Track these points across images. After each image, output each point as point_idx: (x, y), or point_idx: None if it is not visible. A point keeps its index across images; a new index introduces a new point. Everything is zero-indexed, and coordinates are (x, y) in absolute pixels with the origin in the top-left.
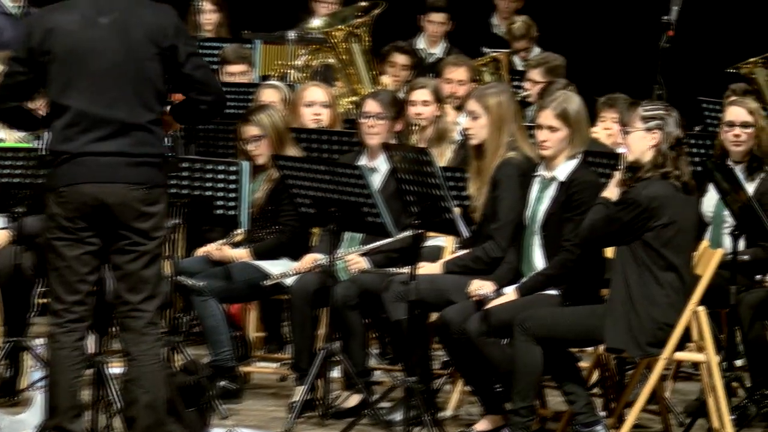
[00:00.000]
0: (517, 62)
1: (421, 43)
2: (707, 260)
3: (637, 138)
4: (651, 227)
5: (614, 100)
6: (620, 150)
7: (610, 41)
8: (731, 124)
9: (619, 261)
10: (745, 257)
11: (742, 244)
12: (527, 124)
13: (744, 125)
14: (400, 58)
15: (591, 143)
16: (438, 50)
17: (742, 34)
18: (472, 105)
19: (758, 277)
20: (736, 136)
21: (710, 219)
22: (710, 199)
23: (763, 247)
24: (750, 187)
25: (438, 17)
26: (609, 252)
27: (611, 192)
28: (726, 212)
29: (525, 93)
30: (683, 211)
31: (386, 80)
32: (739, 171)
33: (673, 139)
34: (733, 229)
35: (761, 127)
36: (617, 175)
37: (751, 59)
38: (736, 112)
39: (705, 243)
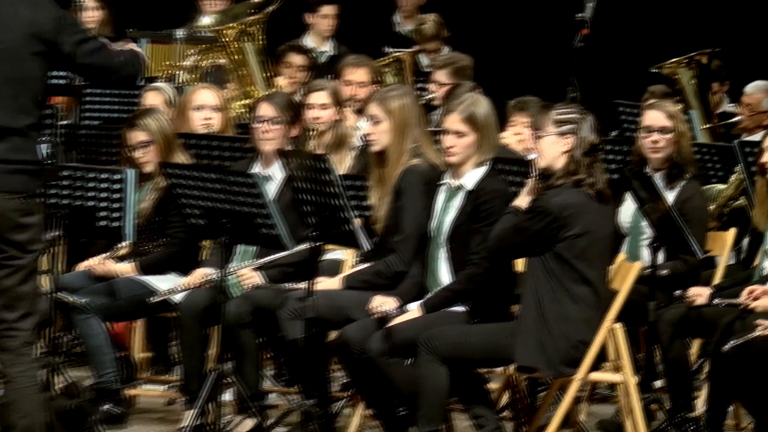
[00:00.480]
0: (423, 62)
1: (308, 42)
2: (624, 274)
3: (548, 143)
4: (562, 237)
5: (525, 104)
6: (531, 156)
7: (521, 40)
8: (649, 130)
9: (530, 275)
10: (665, 271)
11: (661, 257)
12: (432, 129)
13: (662, 130)
14: (297, 59)
15: (500, 149)
16: (328, 47)
17: (663, 32)
18: (374, 108)
19: (678, 292)
20: (654, 142)
21: (627, 230)
22: (627, 209)
23: (683, 260)
24: (670, 196)
25: (330, 10)
26: (520, 265)
27: (522, 201)
28: (644, 223)
29: (430, 96)
30: (597, 220)
31: (281, 82)
32: (658, 179)
33: (588, 145)
34: (651, 241)
35: (681, 132)
36: (528, 184)
37: (674, 59)
38: (653, 117)
39: (622, 256)
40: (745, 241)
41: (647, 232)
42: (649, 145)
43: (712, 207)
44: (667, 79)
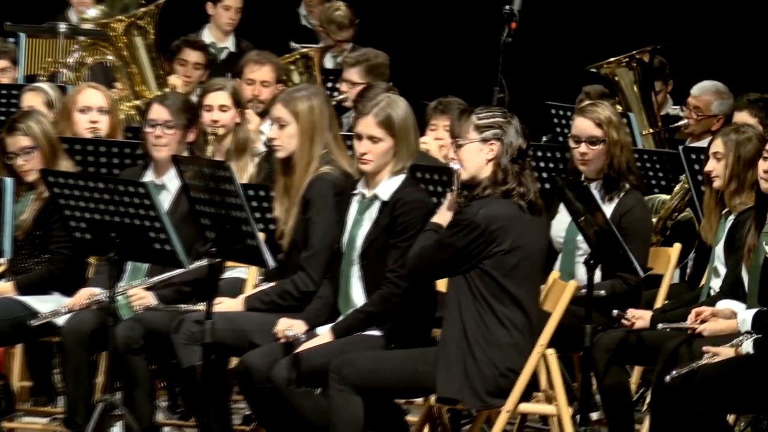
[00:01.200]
0: (331, 60)
1: (207, 37)
2: (558, 294)
3: (471, 152)
4: (490, 254)
5: (447, 106)
6: (454, 165)
7: (442, 35)
8: (576, 140)
9: (453, 295)
10: (602, 292)
11: (598, 276)
12: (344, 133)
13: (591, 141)
14: (192, 55)
15: (420, 156)
16: (229, 43)
17: (601, 26)
18: (279, 110)
19: (615, 312)
20: (582, 154)
21: (561, 245)
22: (561, 222)
23: (622, 279)
24: (608, 208)
25: (233, 1)
26: (442, 285)
27: (442, 218)
28: (579, 237)
29: (341, 96)
30: (529, 235)
31: (175, 81)
32: (594, 189)
33: (515, 151)
34: (588, 258)
35: (614, 140)
36: (448, 198)
37: (614, 58)
38: (581, 125)
39: (555, 274)
40: (691, 258)
41: (583, 247)
42: (577, 156)
43: (654, 220)
44: (606, 79)
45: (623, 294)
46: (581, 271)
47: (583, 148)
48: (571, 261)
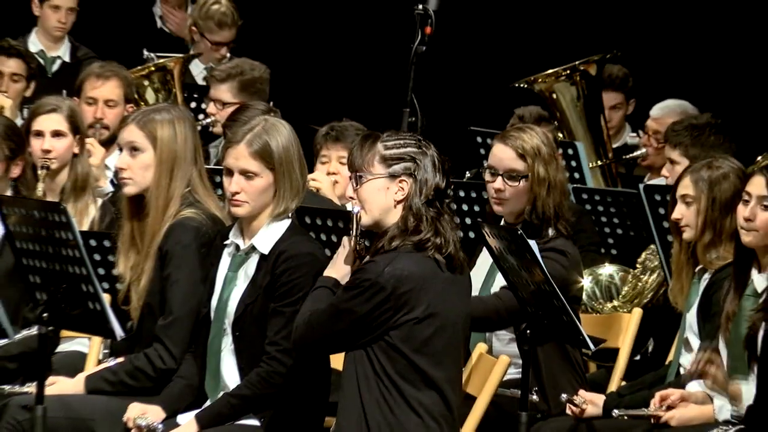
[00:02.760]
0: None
1: (35, 44)
2: (485, 373)
3: (374, 190)
4: (398, 323)
5: (342, 132)
6: (353, 207)
7: (337, 43)
8: (493, 172)
9: (350, 375)
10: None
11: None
12: (211, 167)
13: (510, 175)
14: (8, 64)
15: (308, 196)
16: (62, 52)
17: (538, 32)
18: (132, 133)
19: (563, 397)
20: (498, 190)
21: None
22: (477, 280)
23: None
24: None
25: (66, 0)
26: (337, 361)
27: (338, 271)
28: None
29: (208, 120)
30: (447, 298)
31: (2, 101)
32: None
33: (431, 191)
34: (523, 327)
35: (539, 177)
36: (346, 247)
37: (551, 70)
38: (499, 154)
39: (481, 347)
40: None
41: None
42: (491, 192)
43: (610, 305)
44: (539, 97)
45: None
46: (515, 344)
47: (498, 183)
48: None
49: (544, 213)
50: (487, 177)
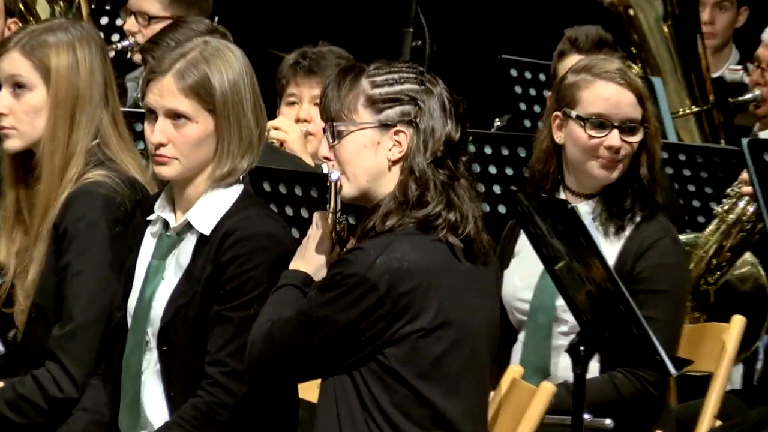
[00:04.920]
0: None
1: None
2: (520, 405)
3: (359, 145)
4: (396, 336)
5: (317, 61)
6: (331, 171)
7: None
8: (604, 124)
9: (328, 410)
10: (607, 422)
11: (594, 370)
12: (130, 109)
13: (630, 127)
14: None
15: (267, 153)
16: None
17: None
18: (15, 63)
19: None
20: (612, 149)
21: (524, 318)
22: (523, 275)
23: (635, 378)
24: (610, 251)
25: None
26: (309, 390)
27: (311, 260)
28: (560, 303)
29: (126, 43)
30: (466, 299)
31: None
32: (585, 211)
33: (440, 145)
34: (574, 342)
35: (656, 128)
36: (322, 224)
37: None
38: (616, 98)
39: (515, 370)
40: (763, 345)
41: (568, 320)
42: (601, 152)
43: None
44: (610, 14)
45: (637, 403)
46: (562, 364)
47: (615, 138)
48: (542, 346)
49: (654, 178)
50: (591, 131)
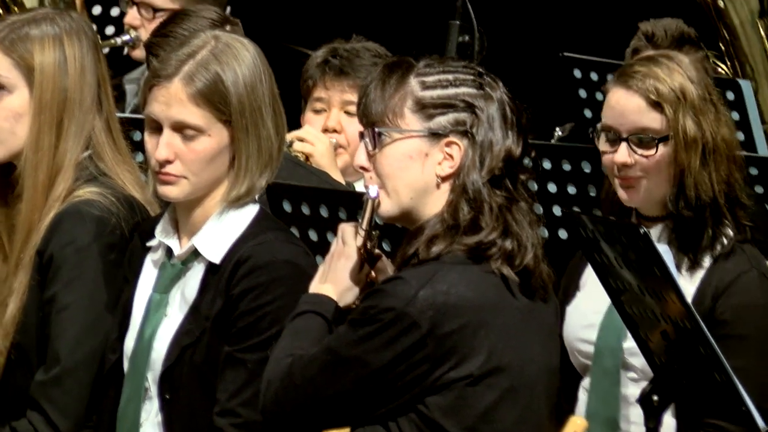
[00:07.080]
0: None
1: None
2: None
3: (404, 156)
4: (440, 383)
5: (350, 60)
6: (368, 192)
7: None
8: (610, 135)
9: None
10: None
11: (669, 425)
12: (128, 115)
13: (641, 138)
14: None
15: (289, 168)
16: None
17: None
18: None
19: None
20: (620, 165)
21: (588, 361)
22: (587, 312)
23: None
24: (687, 286)
25: None
26: None
27: (337, 285)
28: (630, 345)
29: (125, 38)
30: (523, 341)
31: None
32: (658, 238)
33: (499, 161)
34: (647, 390)
35: (690, 137)
36: (350, 240)
37: None
38: (620, 104)
39: (578, 422)
40: None
41: (637, 365)
42: (611, 170)
43: None
44: (699, 8)
45: None
46: (633, 415)
47: (622, 153)
48: (610, 394)
49: (699, 198)
50: (602, 145)
